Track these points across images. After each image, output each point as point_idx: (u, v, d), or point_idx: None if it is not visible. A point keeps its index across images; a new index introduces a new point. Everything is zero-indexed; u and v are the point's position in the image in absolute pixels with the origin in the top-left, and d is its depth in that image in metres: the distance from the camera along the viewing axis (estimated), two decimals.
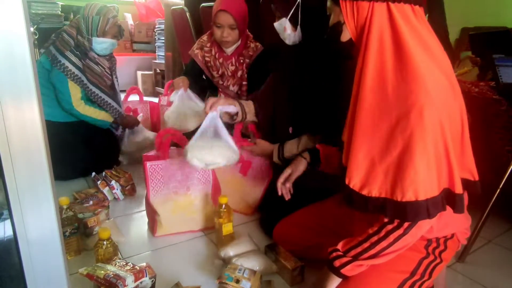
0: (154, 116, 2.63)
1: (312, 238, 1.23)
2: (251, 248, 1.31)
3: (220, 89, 1.98)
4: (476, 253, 1.44)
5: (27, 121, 0.60)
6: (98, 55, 2.04)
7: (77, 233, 1.31)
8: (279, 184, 1.27)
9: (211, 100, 1.37)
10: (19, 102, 0.59)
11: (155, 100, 2.79)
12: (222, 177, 1.59)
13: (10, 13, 0.56)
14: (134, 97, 2.60)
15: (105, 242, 1.16)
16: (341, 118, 1.00)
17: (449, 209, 0.84)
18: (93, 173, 1.87)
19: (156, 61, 4.58)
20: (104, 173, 1.85)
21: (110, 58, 2.15)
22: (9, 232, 0.65)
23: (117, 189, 1.79)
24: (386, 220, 0.85)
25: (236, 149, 1.34)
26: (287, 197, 1.27)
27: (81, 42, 1.97)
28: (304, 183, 1.28)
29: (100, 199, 1.60)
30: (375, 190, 0.84)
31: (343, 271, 0.90)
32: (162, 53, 4.31)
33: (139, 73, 4.76)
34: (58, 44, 1.92)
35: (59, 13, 3.18)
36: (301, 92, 1.46)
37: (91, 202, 1.52)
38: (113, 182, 1.78)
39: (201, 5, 2.68)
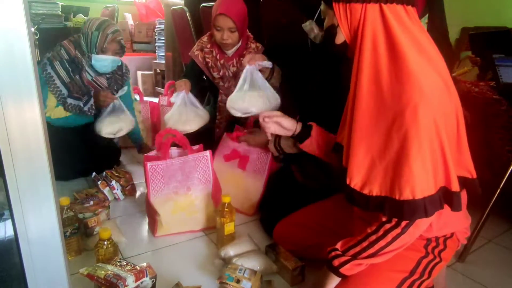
0: (154, 116, 2.63)
1: (312, 238, 1.23)
2: (252, 248, 1.31)
3: (221, 90, 1.98)
4: (476, 253, 1.44)
5: (28, 121, 0.60)
6: (98, 73, 1.94)
7: (78, 233, 1.31)
8: (261, 118, 1.23)
9: (249, 55, 1.61)
10: (20, 102, 0.59)
11: (155, 100, 2.80)
12: (222, 175, 1.60)
13: (11, 12, 0.56)
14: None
15: (105, 242, 1.16)
16: (340, 119, 1.00)
17: (448, 208, 0.84)
18: (94, 173, 1.87)
19: (156, 61, 4.58)
20: (104, 173, 1.85)
21: (113, 75, 2.04)
22: (10, 232, 0.66)
23: (117, 189, 1.79)
24: (384, 219, 0.86)
25: (276, 96, 1.57)
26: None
27: (79, 58, 1.89)
28: (304, 183, 1.28)
29: (101, 199, 1.60)
30: (376, 189, 0.84)
31: (342, 270, 0.90)
32: (162, 53, 4.30)
33: (139, 73, 4.75)
34: (51, 55, 1.87)
35: (59, 13, 3.18)
36: (309, 91, 1.48)
37: (91, 202, 1.53)
38: (113, 182, 1.79)
39: (201, 5, 2.68)
